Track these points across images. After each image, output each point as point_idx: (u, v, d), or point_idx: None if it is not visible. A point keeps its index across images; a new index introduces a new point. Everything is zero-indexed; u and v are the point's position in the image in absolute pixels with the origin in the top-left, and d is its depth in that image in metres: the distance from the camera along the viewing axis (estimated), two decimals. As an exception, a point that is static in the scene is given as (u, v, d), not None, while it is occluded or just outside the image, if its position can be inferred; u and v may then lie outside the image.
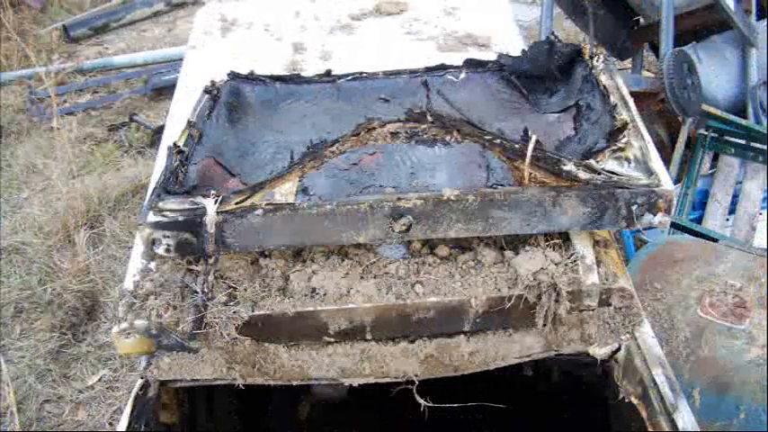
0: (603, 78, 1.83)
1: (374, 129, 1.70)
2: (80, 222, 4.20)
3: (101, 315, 3.75)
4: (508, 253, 1.61)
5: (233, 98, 2.05)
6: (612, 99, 1.75)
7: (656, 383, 1.53)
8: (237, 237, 1.51)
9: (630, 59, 4.62)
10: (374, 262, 1.63)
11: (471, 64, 2.14)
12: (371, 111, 1.99)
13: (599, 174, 1.52)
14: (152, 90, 5.75)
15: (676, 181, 3.76)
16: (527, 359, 1.62)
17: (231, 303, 1.54)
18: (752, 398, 2.02)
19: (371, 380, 1.61)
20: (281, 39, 2.84)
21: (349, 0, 3.09)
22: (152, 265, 1.63)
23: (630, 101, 1.75)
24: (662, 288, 2.32)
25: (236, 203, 1.51)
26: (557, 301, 1.55)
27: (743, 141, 3.80)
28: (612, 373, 1.66)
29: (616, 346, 1.62)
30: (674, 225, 3.44)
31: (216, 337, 1.55)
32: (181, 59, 3.01)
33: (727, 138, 3.85)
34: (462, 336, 1.62)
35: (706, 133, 3.84)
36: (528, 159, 1.55)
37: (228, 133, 1.93)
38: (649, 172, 1.52)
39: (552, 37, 2.04)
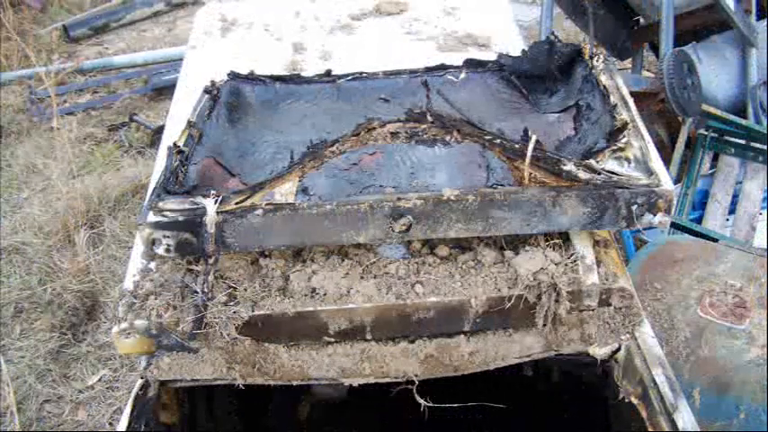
0: (603, 78, 1.83)
1: (374, 129, 1.70)
2: (80, 222, 4.20)
3: (101, 315, 3.75)
4: (508, 253, 1.61)
5: (233, 98, 2.05)
6: (612, 99, 1.75)
7: (656, 383, 1.53)
8: (237, 237, 1.51)
9: (630, 59, 4.62)
10: (374, 262, 1.63)
11: (471, 64, 2.14)
12: (371, 111, 1.99)
13: (599, 174, 1.52)
14: (152, 90, 5.75)
15: (676, 181, 3.76)
16: (527, 359, 1.62)
17: (231, 303, 1.54)
18: (752, 398, 2.02)
19: (371, 380, 1.61)
20: (281, 39, 2.84)
21: (349, 0, 3.09)
22: (152, 265, 1.63)
23: (630, 101, 1.75)
24: (662, 288, 2.32)
25: (236, 203, 1.51)
26: (557, 301, 1.55)
27: (743, 141, 3.80)
28: (612, 373, 1.66)
29: (616, 346, 1.62)
30: (674, 225, 3.44)
31: (216, 337, 1.55)
32: (181, 59, 3.01)
33: (727, 138, 3.85)
34: (462, 336, 1.62)
35: (706, 133, 3.84)
36: (528, 159, 1.55)
37: (228, 133, 1.93)
38: (649, 172, 1.52)
39: (552, 37, 2.04)
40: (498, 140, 1.63)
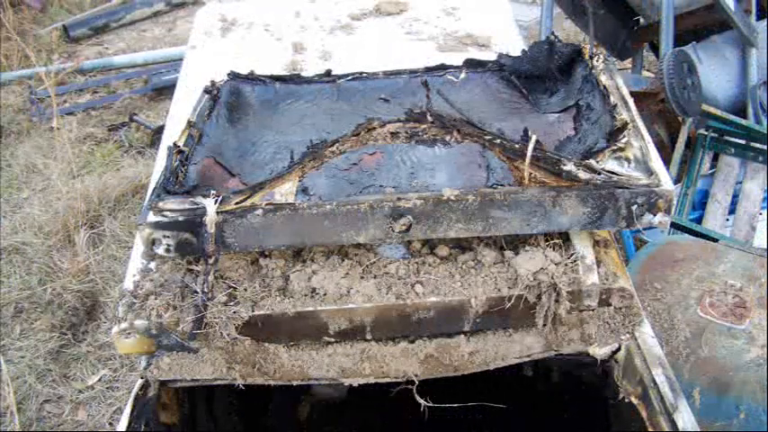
0: (603, 78, 1.83)
1: (374, 129, 1.70)
2: (80, 222, 4.20)
3: (101, 315, 3.75)
4: (508, 253, 1.61)
5: (233, 98, 2.05)
6: (612, 99, 1.75)
7: (656, 383, 1.53)
8: (237, 237, 1.51)
9: (630, 59, 4.62)
10: (374, 262, 1.63)
11: (471, 64, 2.14)
12: (371, 111, 1.99)
13: (599, 174, 1.52)
14: (152, 90, 5.75)
15: (676, 181, 3.76)
16: (527, 359, 1.62)
17: (231, 303, 1.54)
18: (752, 398, 2.02)
19: (371, 380, 1.61)
20: (281, 39, 2.84)
21: (349, 0, 3.09)
22: (152, 265, 1.63)
23: (630, 101, 1.75)
24: (662, 288, 2.32)
25: (236, 203, 1.51)
26: (557, 301, 1.55)
27: (743, 141, 3.80)
28: (612, 373, 1.66)
29: (616, 346, 1.62)
30: (674, 225, 3.43)
31: (216, 337, 1.55)
32: (181, 59, 3.01)
33: (727, 138, 3.84)
34: (462, 336, 1.62)
35: (706, 133, 3.84)
36: (528, 159, 1.55)
37: (228, 133, 1.93)
38: (649, 172, 1.52)
39: (552, 37, 2.04)
40: (498, 140, 1.63)
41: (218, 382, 1.60)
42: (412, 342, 1.62)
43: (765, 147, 3.67)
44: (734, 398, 2.04)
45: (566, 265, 1.57)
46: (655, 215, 1.51)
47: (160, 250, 1.52)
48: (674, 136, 3.83)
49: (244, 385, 1.60)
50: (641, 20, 4.41)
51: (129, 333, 1.55)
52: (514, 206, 1.50)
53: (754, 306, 2.18)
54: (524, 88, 2.07)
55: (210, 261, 1.55)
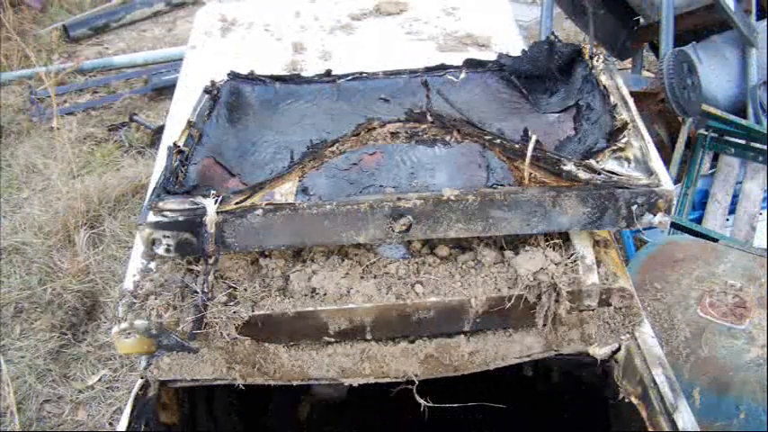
0: (603, 78, 1.83)
1: (374, 129, 1.70)
2: (80, 222, 4.20)
3: (101, 315, 3.75)
4: (508, 253, 1.61)
5: (233, 98, 2.05)
6: (612, 99, 1.75)
7: (656, 383, 1.53)
8: (237, 237, 1.51)
9: (630, 59, 4.62)
10: (374, 262, 1.63)
11: (471, 64, 2.14)
12: (371, 111, 1.99)
13: (599, 174, 1.52)
14: (152, 90, 5.75)
15: (676, 181, 3.76)
16: (527, 359, 1.62)
17: (231, 303, 1.54)
18: (752, 398, 2.02)
19: (371, 380, 1.61)
20: (281, 39, 2.84)
21: (349, 0, 3.09)
22: (152, 265, 1.63)
23: (630, 101, 1.75)
24: (662, 288, 2.32)
25: (236, 203, 1.51)
26: (557, 301, 1.55)
27: (743, 141, 3.80)
28: (612, 373, 1.66)
29: (616, 346, 1.62)
30: (674, 225, 3.43)
31: (216, 337, 1.55)
32: (181, 59, 3.01)
33: (727, 138, 3.84)
34: (462, 336, 1.62)
35: (706, 133, 3.84)
36: (528, 159, 1.55)
37: (228, 133, 1.93)
38: (649, 172, 1.52)
39: (552, 37, 2.04)
40: (498, 140, 1.63)
41: (218, 382, 1.60)
42: (412, 342, 1.62)
43: (765, 147, 3.67)
44: (734, 398, 2.04)
45: (566, 265, 1.57)
46: (655, 215, 1.51)
47: (160, 250, 1.52)
48: (674, 136, 3.83)
49: (244, 385, 1.60)
50: (641, 20, 4.41)
51: (129, 333, 1.55)
52: (514, 206, 1.50)
53: (754, 306, 2.18)
54: (524, 88, 2.07)
55: (210, 261, 1.55)
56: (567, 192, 1.50)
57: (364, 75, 2.13)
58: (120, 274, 3.87)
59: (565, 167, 1.52)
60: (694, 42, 4.05)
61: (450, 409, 1.64)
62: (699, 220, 3.67)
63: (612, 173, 1.52)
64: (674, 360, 2.13)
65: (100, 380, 3.42)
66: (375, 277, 1.60)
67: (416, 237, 1.53)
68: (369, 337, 1.60)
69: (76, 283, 3.80)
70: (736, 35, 3.95)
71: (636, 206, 1.50)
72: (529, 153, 1.55)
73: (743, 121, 3.77)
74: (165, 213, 1.50)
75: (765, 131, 3.68)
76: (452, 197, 1.48)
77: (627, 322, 1.62)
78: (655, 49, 4.56)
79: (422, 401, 1.58)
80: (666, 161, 3.63)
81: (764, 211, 3.61)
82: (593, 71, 1.87)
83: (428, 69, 2.13)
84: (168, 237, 1.51)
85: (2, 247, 4.13)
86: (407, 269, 1.61)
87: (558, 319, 1.58)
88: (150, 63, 6.21)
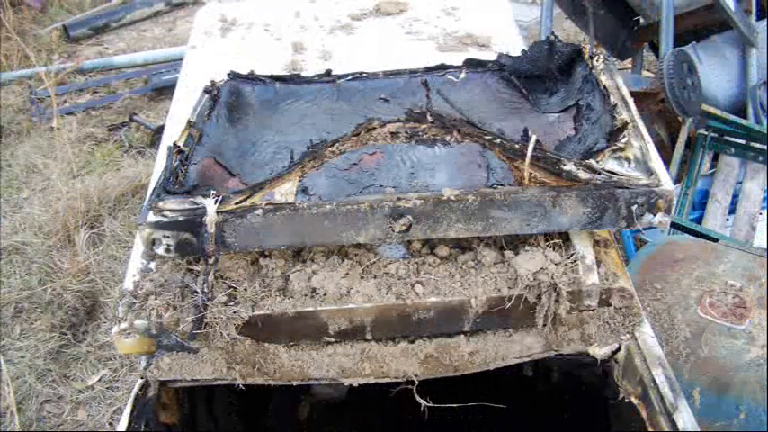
0: (603, 78, 1.83)
1: (374, 129, 1.70)
2: (80, 222, 4.20)
3: (101, 315, 3.75)
4: (508, 253, 1.61)
5: (233, 98, 2.05)
6: (612, 99, 1.75)
7: (656, 383, 1.53)
8: (237, 237, 1.51)
9: (630, 59, 4.62)
10: (374, 262, 1.63)
11: (471, 64, 2.14)
12: (371, 111, 1.99)
13: (599, 174, 1.52)
14: (152, 90, 5.75)
15: (676, 181, 3.76)
16: (527, 359, 1.62)
17: (231, 303, 1.54)
18: (752, 398, 2.02)
19: (371, 380, 1.61)
20: (281, 39, 2.84)
21: (349, 0, 3.09)
22: (152, 265, 1.63)
23: (630, 101, 1.75)
24: (662, 288, 2.32)
25: (236, 203, 1.51)
26: (557, 301, 1.55)
27: (743, 141, 3.80)
28: (612, 373, 1.66)
29: (616, 346, 1.62)
30: (674, 225, 3.44)
31: (216, 337, 1.55)
32: (181, 59, 3.01)
33: (727, 138, 3.84)
34: (462, 336, 1.62)
35: (706, 133, 3.84)
36: (528, 159, 1.55)
37: (228, 133, 1.93)
38: (649, 172, 1.52)
39: (552, 37, 2.04)
40: (498, 140, 1.63)
41: (218, 382, 1.60)
42: (412, 342, 1.62)
43: (765, 147, 3.67)
44: (734, 398, 2.04)
45: (566, 265, 1.57)
46: (655, 215, 1.51)
47: (160, 250, 1.52)
48: (674, 136, 3.83)
49: (244, 385, 1.60)
50: (641, 20, 4.41)
51: (129, 333, 1.55)
52: (514, 206, 1.50)
53: (754, 306, 2.18)
54: (524, 88, 2.07)
55: (210, 261, 1.55)
56: (567, 192, 1.50)
57: (364, 75, 2.13)
58: (120, 274, 3.87)
59: (565, 167, 1.52)
60: (694, 42, 4.05)
61: (450, 409, 1.64)
62: (699, 220, 3.67)
63: (612, 173, 1.52)
64: (674, 360, 2.13)
65: (100, 380, 3.42)
66: (375, 277, 1.60)
67: (416, 237, 1.53)
68: (369, 337, 1.60)
69: (76, 283, 3.80)
70: (736, 35, 3.95)
71: (636, 206, 1.50)
72: (529, 153, 1.55)
73: (743, 121, 3.77)
74: (165, 213, 1.50)
75: (765, 131, 3.68)
76: (452, 197, 1.48)
77: (627, 322, 1.62)
78: (655, 49, 4.56)
79: (422, 401, 1.58)
80: (666, 161, 3.63)
81: (764, 211, 3.61)
82: (593, 71, 1.87)
83: (428, 69, 2.13)
84: (168, 237, 1.51)
85: (2, 247, 4.13)
86: (407, 269, 1.61)
87: (558, 319, 1.58)
88: (150, 63, 6.21)
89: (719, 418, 2.05)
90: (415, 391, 1.59)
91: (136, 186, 4.58)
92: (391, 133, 1.71)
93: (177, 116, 2.29)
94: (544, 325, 1.59)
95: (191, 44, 2.89)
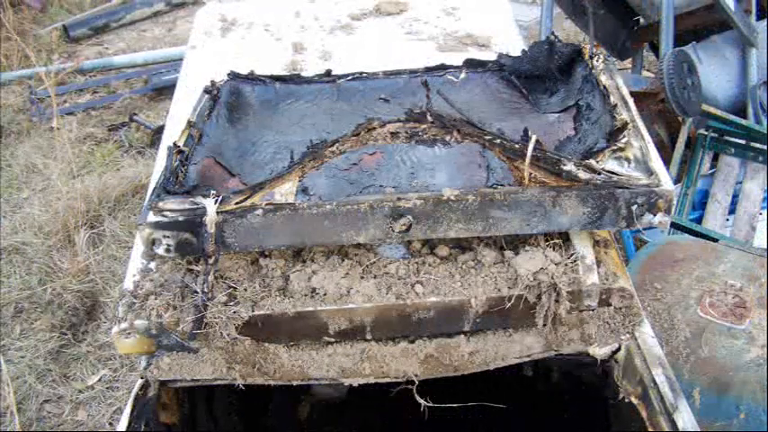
0: (603, 78, 1.83)
1: (374, 129, 1.70)
2: (80, 222, 4.20)
3: (101, 315, 3.75)
4: (508, 253, 1.61)
5: (233, 98, 2.05)
6: (612, 99, 1.75)
7: (656, 383, 1.53)
8: (237, 237, 1.51)
9: (630, 59, 4.62)
10: (374, 262, 1.63)
11: (471, 64, 2.14)
12: (371, 111, 1.99)
13: (599, 174, 1.52)
14: (152, 90, 5.75)
15: (676, 181, 3.76)
16: (527, 359, 1.62)
17: (231, 303, 1.54)
18: (752, 398, 2.02)
19: (371, 380, 1.61)
20: (281, 39, 2.84)
21: (349, 0, 3.09)
22: (152, 265, 1.63)
23: (630, 101, 1.75)
24: (662, 288, 2.32)
25: (236, 203, 1.51)
26: (557, 301, 1.55)
27: (743, 141, 3.80)
28: (612, 373, 1.66)
29: (616, 346, 1.62)
30: (674, 225, 3.44)
31: (216, 337, 1.55)
32: (181, 59, 3.01)
33: (727, 138, 3.85)
34: (462, 336, 1.62)
35: (706, 133, 3.84)
36: (528, 159, 1.55)
37: (228, 133, 1.93)
38: (649, 172, 1.52)
39: (552, 37, 2.04)
40: (498, 140, 1.63)
41: (218, 382, 1.60)
42: (412, 342, 1.62)
43: (765, 147, 3.67)
44: (734, 398, 2.04)
45: (566, 265, 1.57)
46: (655, 215, 1.51)
47: (160, 250, 1.52)
48: (674, 136, 3.83)
49: (244, 385, 1.60)
50: (641, 20, 4.41)
51: (129, 333, 1.55)
52: (514, 206, 1.50)
53: (754, 306, 2.18)
54: (524, 88, 2.07)
55: (210, 261, 1.55)
56: (567, 192, 1.50)
57: (364, 75, 2.13)
58: (120, 274, 3.87)
59: (565, 167, 1.52)
60: (694, 42, 4.05)
61: (450, 409, 1.64)
62: (699, 220, 3.67)
63: (612, 173, 1.52)
64: (674, 360, 2.13)
65: (100, 380, 3.42)
66: (375, 277, 1.60)
67: (416, 237, 1.53)
68: (369, 337, 1.60)
69: (76, 283, 3.80)
70: (736, 35, 3.95)
71: (636, 206, 1.50)
72: (529, 153, 1.55)
73: (743, 121, 3.77)
74: (165, 213, 1.50)
75: (765, 131, 3.68)
76: (452, 197, 1.48)
77: (627, 322, 1.62)
78: (655, 49, 4.56)
79: (422, 401, 1.58)
80: (666, 161, 3.63)
81: (764, 211, 3.61)
82: (593, 71, 1.87)
83: (428, 69, 2.13)
84: (168, 237, 1.51)
85: (2, 247, 4.13)
86: (407, 269, 1.61)
87: (558, 319, 1.58)
88: (150, 63, 6.21)
89: (719, 418, 2.05)
90: (415, 391, 1.59)
91: (136, 186, 4.58)
92: (391, 133, 1.71)
93: (177, 116, 2.29)
94: (544, 325, 1.59)
95: (191, 44, 2.89)
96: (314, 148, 1.67)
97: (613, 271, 1.60)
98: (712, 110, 3.76)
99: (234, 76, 2.11)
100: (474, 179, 1.65)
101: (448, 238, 1.56)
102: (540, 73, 2.05)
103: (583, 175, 1.51)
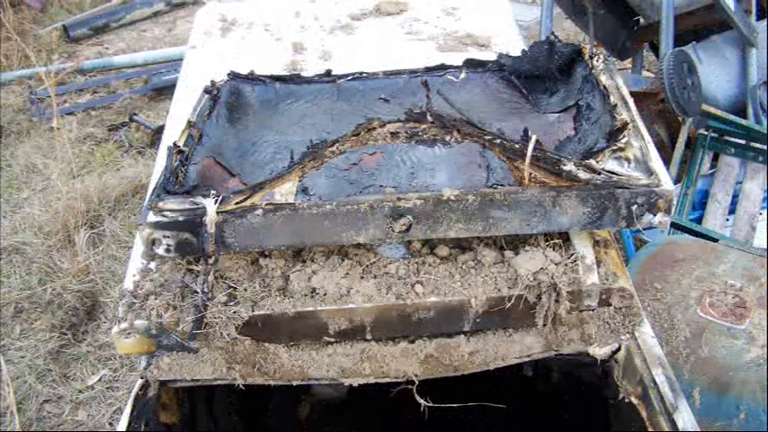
0: (603, 78, 1.83)
1: (374, 129, 1.70)
2: (80, 222, 4.20)
3: (101, 315, 3.75)
4: (508, 253, 1.61)
5: (233, 98, 2.05)
6: (612, 99, 1.75)
7: (656, 383, 1.53)
8: (237, 237, 1.51)
9: (630, 59, 4.62)
10: (374, 262, 1.63)
11: (471, 64, 2.14)
12: (371, 111, 1.99)
13: (599, 174, 1.52)
14: (152, 90, 5.75)
15: (676, 181, 3.76)
16: (527, 359, 1.62)
17: (231, 303, 1.54)
18: (752, 398, 2.02)
19: (371, 380, 1.61)
20: (281, 39, 2.84)
21: (349, 0, 3.09)
22: (152, 265, 1.63)
23: (630, 101, 1.75)
24: (662, 288, 2.32)
25: (236, 203, 1.51)
26: (557, 301, 1.55)
27: (743, 141, 3.80)
28: (612, 373, 1.66)
29: (616, 346, 1.62)
30: (674, 225, 3.44)
31: (216, 337, 1.55)
32: (181, 59, 3.01)
33: (727, 138, 3.85)
34: (462, 336, 1.62)
35: (706, 133, 3.84)
36: (528, 159, 1.55)
37: (228, 133, 1.93)
38: (649, 172, 1.52)
39: (552, 37, 2.04)
40: (498, 140, 1.63)
41: (218, 382, 1.60)
42: (412, 342, 1.62)
43: (765, 147, 3.67)
44: (734, 398, 2.05)
45: (566, 265, 1.57)
46: (655, 215, 1.51)
47: (160, 250, 1.52)
48: (674, 136, 3.83)
49: (244, 385, 1.60)
50: (641, 20, 4.41)
51: (129, 333, 1.55)
52: (514, 206, 1.50)
53: (754, 306, 2.18)
54: (524, 88, 2.07)
55: (210, 261, 1.55)
56: (567, 192, 1.50)
57: (364, 75, 2.13)
58: (120, 274, 3.87)
59: (565, 167, 1.52)
60: (694, 42, 4.05)
61: (450, 409, 1.64)
62: (699, 220, 3.67)
63: (612, 173, 1.52)
64: (674, 360, 2.13)
65: (100, 380, 3.42)
66: (375, 277, 1.60)
67: (416, 237, 1.53)
68: (369, 337, 1.60)
69: (76, 283, 3.80)
70: (736, 35, 3.95)
71: (636, 206, 1.50)
72: (529, 153, 1.55)
73: (743, 121, 3.77)
74: (165, 213, 1.50)
75: (765, 131, 3.68)
76: (452, 197, 1.48)
77: (627, 322, 1.62)
78: (655, 49, 4.56)
79: (422, 401, 1.58)
80: (666, 161, 3.63)
81: (764, 211, 3.61)
82: (593, 71, 1.87)
83: (428, 69, 2.13)
84: (168, 237, 1.51)
85: (2, 247, 4.13)
86: (407, 269, 1.61)
87: (558, 319, 1.59)
88: (150, 63, 6.21)
89: (719, 418, 2.05)
90: (414, 391, 1.59)
91: (136, 186, 4.58)
92: (391, 133, 1.71)
93: (177, 116, 2.29)
94: (544, 325, 1.59)
95: (191, 44, 2.89)
96: (314, 148, 1.67)
97: (613, 271, 1.60)
98: (712, 110, 3.76)
99: (234, 76, 2.11)
100: (474, 179, 1.65)
101: (448, 238, 1.56)
102: (540, 73, 2.05)
103: (583, 175, 1.51)
